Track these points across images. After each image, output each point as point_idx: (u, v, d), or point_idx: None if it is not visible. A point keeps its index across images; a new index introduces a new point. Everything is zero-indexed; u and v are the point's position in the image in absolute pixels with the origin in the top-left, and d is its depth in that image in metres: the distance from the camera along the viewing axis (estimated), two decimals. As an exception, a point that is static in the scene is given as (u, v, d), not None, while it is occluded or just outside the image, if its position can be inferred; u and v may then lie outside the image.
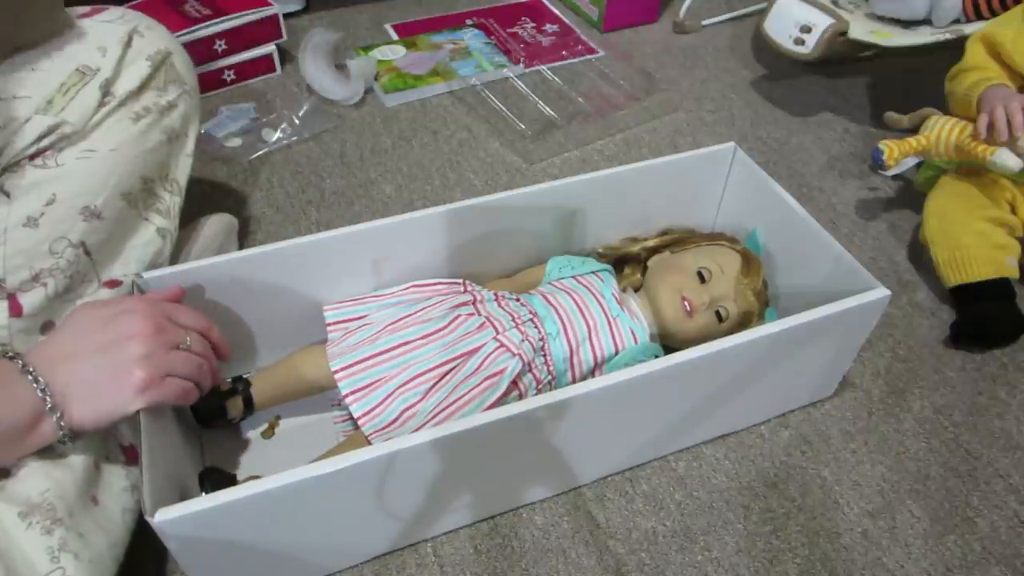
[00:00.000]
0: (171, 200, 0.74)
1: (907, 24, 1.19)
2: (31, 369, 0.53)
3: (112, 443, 0.62)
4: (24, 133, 0.62)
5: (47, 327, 0.63)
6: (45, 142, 0.63)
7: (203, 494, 0.62)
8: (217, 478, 0.65)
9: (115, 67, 0.68)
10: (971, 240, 0.87)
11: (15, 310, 0.61)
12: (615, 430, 0.68)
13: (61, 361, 0.54)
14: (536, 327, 0.72)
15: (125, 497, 0.60)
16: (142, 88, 0.70)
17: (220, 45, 1.17)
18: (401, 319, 0.71)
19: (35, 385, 0.52)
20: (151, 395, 0.56)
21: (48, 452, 0.56)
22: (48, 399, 0.52)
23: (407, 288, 0.75)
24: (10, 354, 0.54)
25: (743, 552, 0.68)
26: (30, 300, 0.61)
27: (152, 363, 0.56)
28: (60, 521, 0.54)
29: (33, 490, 0.54)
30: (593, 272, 0.79)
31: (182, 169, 0.76)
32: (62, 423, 0.53)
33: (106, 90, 0.67)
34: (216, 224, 0.87)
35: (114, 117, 0.68)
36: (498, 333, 0.69)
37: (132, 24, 0.71)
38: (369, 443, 0.65)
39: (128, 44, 0.70)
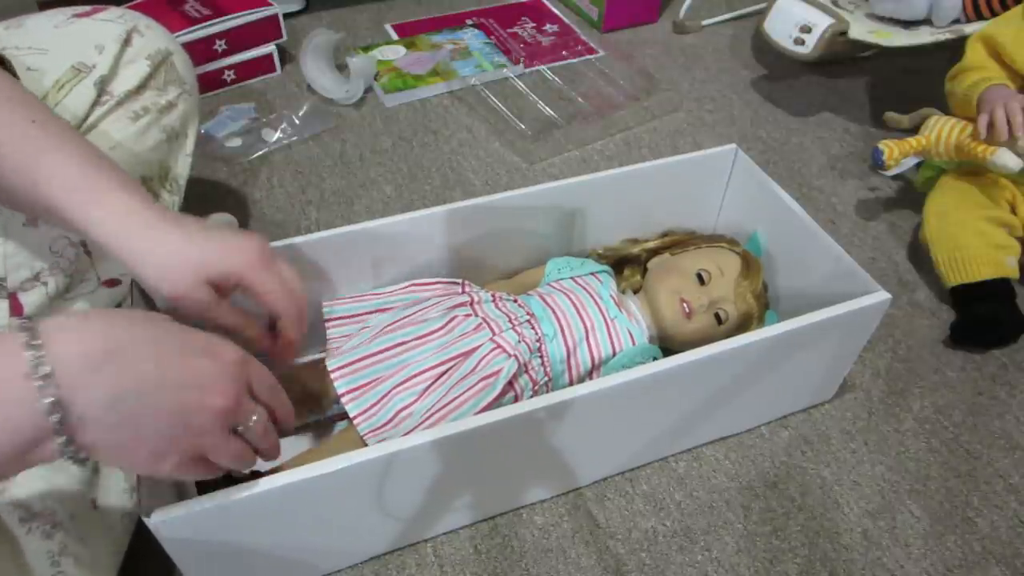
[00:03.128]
0: (170, 199, 0.74)
1: (907, 24, 1.19)
2: (46, 372, 0.38)
3: None
4: None
5: None
6: None
7: (196, 484, 0.62)
8: None
9: (112, 65, 0.68)
10: (971, 240, 0.87)
11: (16, 309, 0.61)
12: (615, 432, 0.68)
13: (102, 369, 0.40)
14: (533, 328, 0.72)
15: (124, 499, 0.60)
16: (141, 87, 0.70)
17: (220, 45, 1.17)
18: (398, 320, 0.71)
19: (41, 400, 0.38)
20: (172, 472, 0.45)
21: None
22: (56, 421, 0.38)
23: (406, 287, 0.75)
24: (25, 333, 0.38)
25: (743, 552, 0.68)
26: (30, 299, 0.61)
27: (199, 443, 0.45)
28: (60, 525, 0.53)
29: (33, 495, 0.54)
30: (592, 273, 0.79)
31: (182, 168, 0.76)
32: (69, 447, 0.39)
33: (102, 88, 0.67)
34: (216, 224, 0.87)
35: (113, 116, 0.68)
36: (494, 334, 0.69)
37: (131, 23, 0.71)
38: (363, 441, 0.65)
39: (126, 43, 0.70)
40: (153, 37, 0.72)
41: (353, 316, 0.74)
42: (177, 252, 0.51)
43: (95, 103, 0.67)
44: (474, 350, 0.68)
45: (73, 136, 0.53)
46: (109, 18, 0.71)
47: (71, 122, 0.65)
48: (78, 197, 0.50)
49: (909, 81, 1.30)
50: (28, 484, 0.54)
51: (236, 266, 0.53)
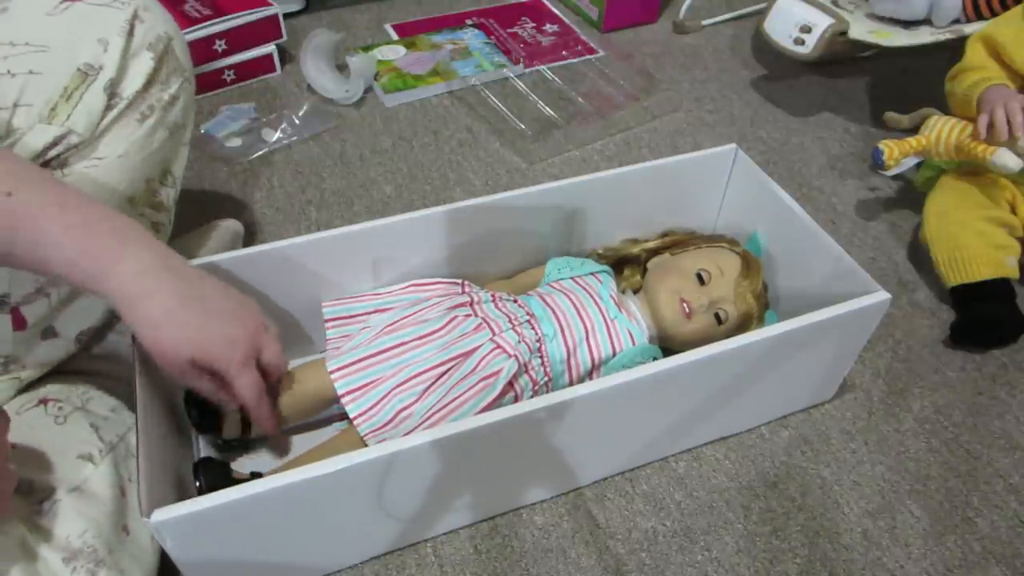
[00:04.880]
0: (166, 192, 0.71)
1: (907, 24, 1.19)
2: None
3: (133, 463, 0.61)
4: (27, 144, 0.59)
5: (47, 333, 0.63)
6: (52, 152, 0.60)
7: (196, 484, 0.62)
8: (211, 469, 0.64)
9: (119, 63, 0.64)
10: (971, 240, 0.87)
11: (18, 324, 0.60)
12: (615, 432, 0.68)
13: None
14: (533, 328, 0.72)
15: None
16: (148, 85, 0.66)
17: (220, 45, 1.17)
18: (398, 320, 0.71)
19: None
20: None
21: (77, 485, 0.56)
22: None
23: (406, 287, 0.75)
24: None
25: (743, 552, 0.68)
26: (33, 311, 0.60)
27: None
28: (102, 562, 0.54)
29: (72, 532, 0.54)
30: (592, 274, 0.79)
31: (180, 161, 0.73)
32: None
33: (112, 92, 0.64)
34: (223, 231, 0.86)
35: (122, 121, 0.65)
36: (494, 334, 0.69)
37: (131, 8, 0.66)
38: (363, 442, 0.65)
39: (130, 33, 0.65)
40: (153, 21, 0.68)
41: (353, 316, 0.74)
42: (168, 338, 0.55)
43: (106, 108, 0.63)
44: (474, 350, 0.68)
45: (57, 199, 0.53)
46: (106, 1, 0.65)
47: (84, 135, 0.62)
48: (80, 273, 0.53)
49: (909, 81, 1.30)
50: (65, 521, 0.54)
51: (217, 361, 0.57)
